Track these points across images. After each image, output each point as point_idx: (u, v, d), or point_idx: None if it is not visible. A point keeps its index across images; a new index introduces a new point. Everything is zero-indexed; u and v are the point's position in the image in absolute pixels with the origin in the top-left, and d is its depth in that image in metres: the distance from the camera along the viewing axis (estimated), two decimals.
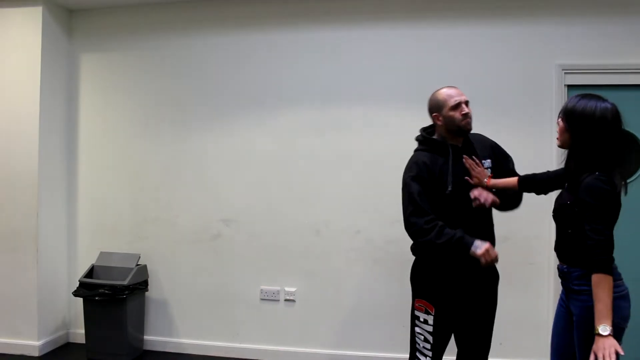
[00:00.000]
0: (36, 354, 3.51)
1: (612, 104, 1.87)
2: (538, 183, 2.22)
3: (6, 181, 3.56)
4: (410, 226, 2.24)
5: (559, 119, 1.95)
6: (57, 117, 3.73)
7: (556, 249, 2.03)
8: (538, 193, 2.27)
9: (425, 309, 2.30)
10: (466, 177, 2.25)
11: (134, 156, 3.74)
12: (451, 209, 2.23)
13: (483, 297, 2.36)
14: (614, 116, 1.85)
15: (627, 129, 3.29)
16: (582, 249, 1.83)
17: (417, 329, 2.34)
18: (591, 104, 1.85)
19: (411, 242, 2.40)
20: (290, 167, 3.52)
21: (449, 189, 2.22)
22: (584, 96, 1.90)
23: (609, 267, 1.73)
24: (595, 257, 1.75)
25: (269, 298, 3.55)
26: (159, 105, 3.71)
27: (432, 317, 2.28)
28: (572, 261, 1.91)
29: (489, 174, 2.30)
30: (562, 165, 2.04)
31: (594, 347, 1.68)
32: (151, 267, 3.66)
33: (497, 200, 2.26)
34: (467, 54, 3.36)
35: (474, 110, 2.37)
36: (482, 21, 3.37)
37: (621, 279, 1.85)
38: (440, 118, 2.29)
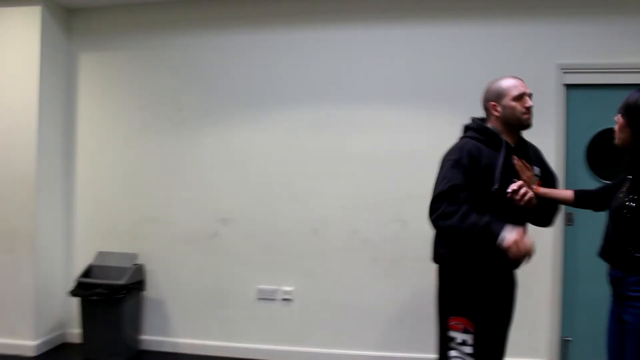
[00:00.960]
0: (32, 354, 3.49)
1: None
2: (596, 197, 2.10)
3: (3, 180, 3.55)
4: (434, 210, 1.95)
5: (618, 116, 1.82)
6: (55, 116, 3.73)
7: (606, 254, 1.89)
8: (596, 209, 2.13)
9: (465, 328, 1.98)
10: (514, 179, 2.00)
11: (132, 155, 3.73)
12: (491, 209, 1.95)
13: (511, 305, 2.19)
14: None
15: None
16: None
17: (452, 353, 2.00)
18: None
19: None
20: (287, 167, 3.51)
21: (496, 186, 1.97)
22: None
23: None
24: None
25: (266, 297, 3.53)
26: (157, 104, 3.70)
27: (472, 337, 1.97)
28: (629, 267, 1.76)
29: (538, 180, 2.14)
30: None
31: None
32: (148, 266, 3.65)
33: (534, 200, 2.02)
34: (467, 54, 3.36)
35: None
36: (482, 21, 3.36)
37: None
38: (499, 108, 2.06)
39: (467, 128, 2.15)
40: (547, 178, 2.22)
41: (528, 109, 2.05)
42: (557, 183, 2.29)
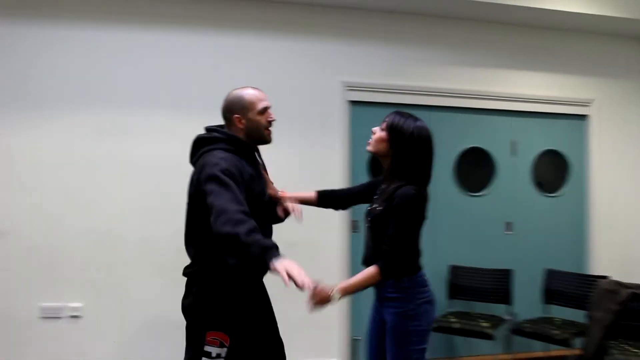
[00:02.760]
0: None
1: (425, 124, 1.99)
2: (339, 198, 2.26)
3: None
4: (223, 212, 1.77)
5: (380, 129, 2.00)
6: None
7: (366, 261, 2.02)
8: (337, 208, 2.30)
9: (220, 342, 1.96)
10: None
11: None
12: (258, 220, 1.92)
13: (269, 315, 2.19)
14: (430, 136, 1.98)
15: None
16: None
17: None
18: (418, 124, 1.96)
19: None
20: (68, 173, 3.27)
21: (268, 196, 2.10)
22: (402, 114, 2.00)
23: (390, 274, 1.87)
24: (385, 260, 1.87)
25: (50, 315, 3.26)
26: None
27: (225, 350, 1.97)
28: None
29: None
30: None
31: (315, 291, 1.82)
32: None
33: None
34: (262, 65, 3.49)
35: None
36: (278, 35, 3.52)
37: (427, 286, 1.97)
38: (243, 121, 2.01)
39: (214, 139, 2.02)
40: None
41: (270, 123, 2.06)
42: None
